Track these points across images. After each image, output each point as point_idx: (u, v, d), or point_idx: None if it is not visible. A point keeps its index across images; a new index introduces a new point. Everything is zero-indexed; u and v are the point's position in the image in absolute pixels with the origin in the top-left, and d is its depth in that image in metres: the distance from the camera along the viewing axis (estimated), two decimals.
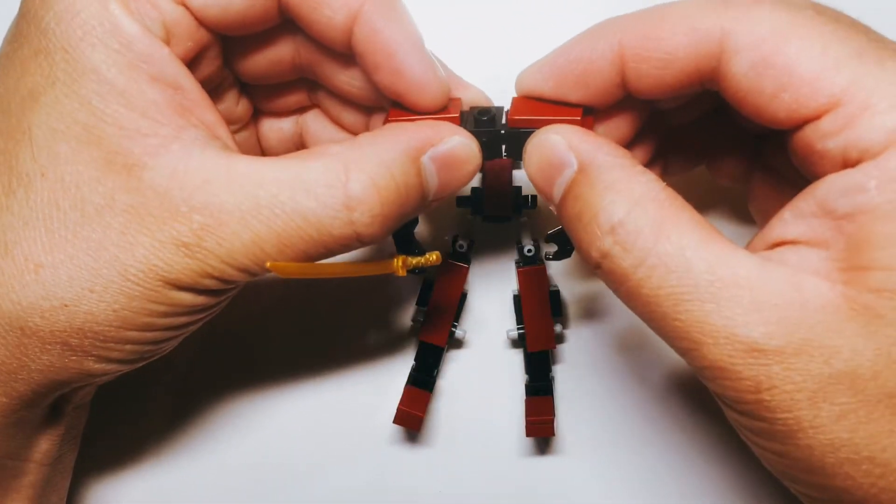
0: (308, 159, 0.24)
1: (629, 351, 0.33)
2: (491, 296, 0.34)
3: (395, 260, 0.26)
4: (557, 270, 0.33)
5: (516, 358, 0.34)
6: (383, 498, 0.34)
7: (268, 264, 0.24)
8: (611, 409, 0.34)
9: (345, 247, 0.24)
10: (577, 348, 0.34)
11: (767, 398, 0.19)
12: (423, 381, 0.32)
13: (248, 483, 0.34)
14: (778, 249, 0.21)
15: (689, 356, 0.21)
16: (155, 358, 0.27)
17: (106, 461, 0.34)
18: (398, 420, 0.32)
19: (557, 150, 0.23)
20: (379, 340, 0.34)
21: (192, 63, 0.25)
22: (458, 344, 0.34)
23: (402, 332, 0.34)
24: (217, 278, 0.24)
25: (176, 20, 0.24)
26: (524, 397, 0.32)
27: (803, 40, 0.19)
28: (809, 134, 0.20)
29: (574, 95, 0.24)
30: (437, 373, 0.33)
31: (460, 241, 0.32)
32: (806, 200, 0.20)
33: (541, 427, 0.32)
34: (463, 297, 0.32)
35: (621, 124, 0.26)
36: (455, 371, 0.34)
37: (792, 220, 0.21)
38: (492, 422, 0.33)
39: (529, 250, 0.32)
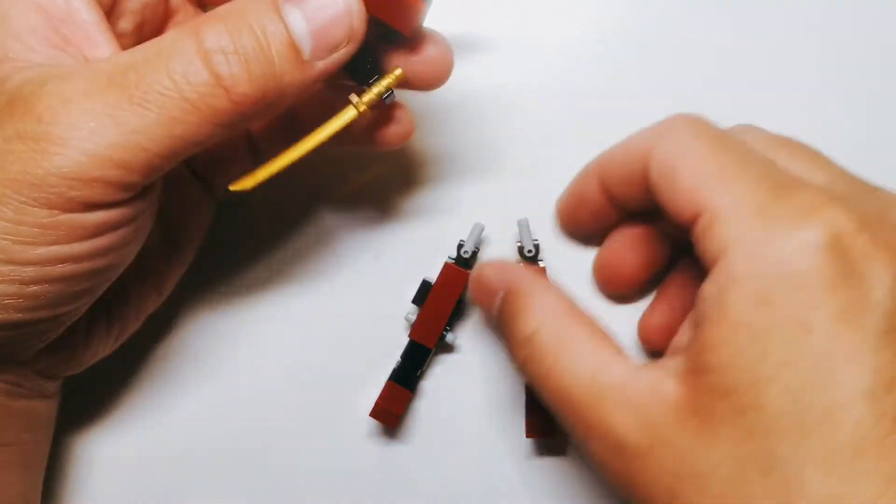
0: (165, 36, 0.22)
1: (629, 351, 0.33)
2: None
3: (351, 101, 0.24)
4: (558, 271, 0.32)
5: None
6: (381, 497, 0.33)
7: (231, 187, 0.24)
8: None
9: (226, 116, 0.21)
10: None
11: (632, 489, 0.22)
12: (405, 380, 0.31)
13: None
14: (671, 356, 0.23)
15: (582, 449, 0.25)
16: (90, 292, 0.24)
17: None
18: (375, 414, 0.31)
19: (489, 282, 0.27)
20: (370, 330, 0.33)
21: None
22: (448, 348, 0.33)
23: (394, 327, 0.32)
24: (103, 181, 0.21)
25: None
26: (524, 397, 0.31)
27: (688, 160, 0.23)
28: (693, 239, 0.23)
29: (583, 216, 0.30)
30: (422, 374, 0.32)
31: (465, 248, 0.31)
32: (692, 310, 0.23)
33: (541, 427, 0.31)
34: (460, 302, 0.31)
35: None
36: (456, 370, 0.33)
37: (684, 329, 0.24)
38: (492, 422, 0.33)
39: (530, 251, 0.31)
